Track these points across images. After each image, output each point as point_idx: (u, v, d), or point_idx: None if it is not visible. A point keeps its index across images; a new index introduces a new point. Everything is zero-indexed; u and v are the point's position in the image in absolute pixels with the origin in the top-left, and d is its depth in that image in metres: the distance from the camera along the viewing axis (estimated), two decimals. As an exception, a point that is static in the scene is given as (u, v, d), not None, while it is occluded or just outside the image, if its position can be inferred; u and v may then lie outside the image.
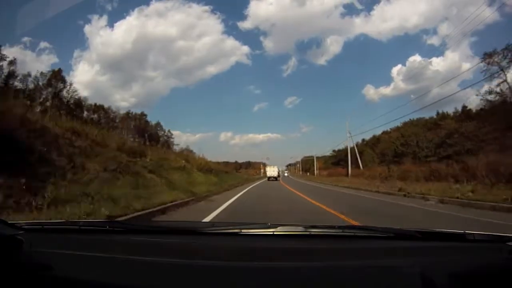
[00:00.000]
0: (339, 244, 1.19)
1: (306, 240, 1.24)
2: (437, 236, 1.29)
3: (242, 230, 1.25)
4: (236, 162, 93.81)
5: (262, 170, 63.76)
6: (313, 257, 1.02)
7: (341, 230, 1.30)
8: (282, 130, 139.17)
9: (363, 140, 55.22)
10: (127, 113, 59.01)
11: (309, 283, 0.87)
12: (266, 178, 42.55)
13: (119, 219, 4.58)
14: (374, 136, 52.86)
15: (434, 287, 0.84)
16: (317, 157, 66.72)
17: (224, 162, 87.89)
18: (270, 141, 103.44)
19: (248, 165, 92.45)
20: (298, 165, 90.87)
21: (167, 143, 62.83)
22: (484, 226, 5.19)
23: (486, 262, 1.01)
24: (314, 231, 1.27)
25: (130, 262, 0.97)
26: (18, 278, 0.90)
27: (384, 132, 49.88)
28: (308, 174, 67.29)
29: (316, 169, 60.46)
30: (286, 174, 60.55)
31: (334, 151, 62.56)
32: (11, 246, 1.00)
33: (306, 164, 79.23)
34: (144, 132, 57.57)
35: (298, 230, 1.33)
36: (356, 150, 37.71)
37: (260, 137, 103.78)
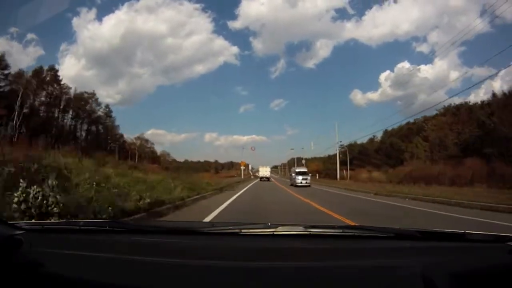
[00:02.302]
0: (339, 244, 1.18)
1: (306, 240, 1.24)
2: (438, 236, 1.28)
3: (242, 230, 1.25)
4: (216, 161, 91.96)
5: (243, 168, 43.57)
6: (313, 257, 1.02)
7: (341, 230, 1.30)
8: (267, 132, 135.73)
9: (385, 131, 43.11)
10: (35, 70, 41.31)
11: (309, 283, 0.87)
12: (247, 185, 35.36)
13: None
14: (401, 127, 39.89)
15: (434, 287, 0.84)
16: (307, 159, 55.53)
17: (205, 162, 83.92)
18: (254, 143, 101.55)
19: (231, 165, 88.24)
20: (285, 166, 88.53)
21: (105, 127, 51.87)
22: None
23: (486, 262, 1.00)
24: (314, 231, 1.26)
25: (130, 262, 0.97)
26: (18, 278, 0.90)
27: (408, 123, 38.43)
28: (317, 177, 43.39)
29: (343, 171, 39.27)
30: (302, 182, 24.43)
31: (341, 146, 46.54)
32: (11, 246, 1.00)
33: (293, 166, 75.66)
34: (67, 106, 44.71)
35: (298, 230, 1.33)
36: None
37: (245, 138, 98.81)
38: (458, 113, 33.14)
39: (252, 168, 64.90)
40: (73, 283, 0.89)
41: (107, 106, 53.17)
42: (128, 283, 0.89)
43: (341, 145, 45.90)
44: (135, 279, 0.90)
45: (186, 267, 0.93)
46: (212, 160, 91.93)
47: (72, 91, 46.25)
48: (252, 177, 53.51)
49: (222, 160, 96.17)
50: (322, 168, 53.41)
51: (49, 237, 1.19)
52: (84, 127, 49.39)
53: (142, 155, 58.15)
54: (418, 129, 37.03)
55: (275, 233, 1.23)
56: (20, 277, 0.91)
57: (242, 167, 42.99)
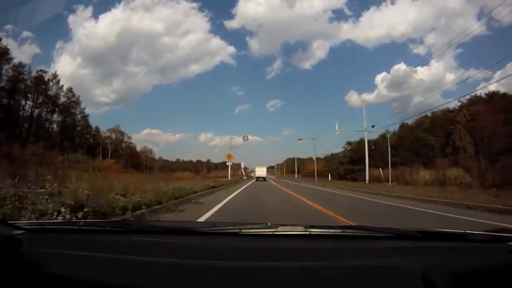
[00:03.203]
0: (339, 244, 1.18)
1: (306, 240, 1.24)
2: (438, 236, 1.29)
3: (242, 230, 1.25)
4: (208, 161, 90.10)
5: (229, 164, 32.36)
6: (313, 257, 1.02)
7: (341, 230, 1.30)
8: (263, 133, 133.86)
9: (401, 125, 35.53)
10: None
11: (309, 283, 0.87)
12: (227, 197, 23.88)
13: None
14: (421, 121, 33.95)
15: (434, 287, 0.84)
16: (305, 159, 51.96)
17: (197, 161, 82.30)
18: (250, 143, 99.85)
19: (225, 165, 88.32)
20: (281, 167, 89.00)
21: (73, 117, 44.18)
22: None
23: (486, 262, 1.00)
24: (314, 231, 1.26)
25: (130, 262, 0.97)
26: (18, 278, 0.90)
27: (427, 117, 32.65)
28: (328, 178, 36.85)
29: (379, 169, 28.27)
30: None
31: (348, 143, 41.17)
32: (11, 246, 1.00)
33: (291, 166, 72.54)
34: (28, 90, 36.63)
35: (298, 230, 1.33)
36: None
37: (240, 139, 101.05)
38: (492, 102, 28.41)
39: (246, 168, 61.94)
40: (73, 283, 0.89)
41: (69, 90, 43.53)
42: (128, 283, 0.89)
43: (347, 141, 38.28)
44: (135, 279, 0.90)
45: (186, 267, 0.93)
46: (206, 160, 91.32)
47: (26, 69, 37.84)
48: (245, 177, 47.32)
49: (217, 160, 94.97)
50: (325, 169, 48.09)
51: (49, 237, 1.19)
52: (44, 115, 41.42)
53: (120, 150, 52.66)
54: (440, 121, 31.96)
55: (275, 233, 1.23)
56: (20, 277, 0.91)
57: (229, 163, 30.08)
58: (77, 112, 46.51)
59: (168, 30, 79.31)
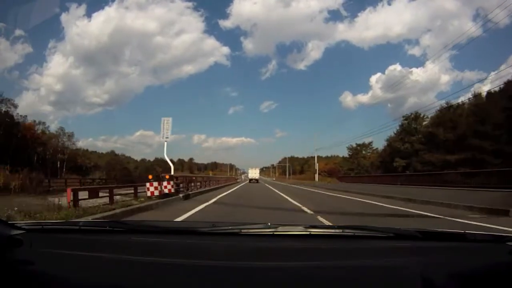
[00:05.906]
0: (339, 244, 1.19)
1: (306, 240, 1.24)
2: (437, 236, 1.29)
3: (242, 230, 1.25)
4: (191, 159, 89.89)
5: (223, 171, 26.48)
6: (313, 257, 1.02)
7: (341, 230, 1.30)
8: (256, 134, 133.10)
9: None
10: None
11: (309, 283, 0.87)
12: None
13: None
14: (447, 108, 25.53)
15: (434, 287, 0.84)
16: (304, 158, 51.63)
17: (178, 161, 78.46)
18: (243, 145, 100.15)
19: (215, 166, 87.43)
20: (278, 167, 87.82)
21: None
22: None
23: (486, 262, 1.00)
24: (314, 231, 1.27)
25: (130, 262, 0.97)
26: (18, 278, 0.90)
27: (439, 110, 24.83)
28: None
29: None
30: None
31: (411, 117, 33.27)
32: (11, 246, 1.00)
33: (293, 166, 71.77)
34: None
35: (298, 230, 1.33)
36: None
37: (234, 140, 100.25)
38: None
39: (237, 169, 60.22)
40: (73, 283, 0.89)
41: None
42: (128, 283, 0.89)
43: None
44: (135, 279, 0.90)
45: (186, 267, 0.94)
46: (198, 160, 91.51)
47: None
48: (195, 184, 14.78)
49: (206, 161, 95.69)
50: (347, 167, 43.49)
51: (49, 237, 1.19)
52: None
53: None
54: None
55: (275, 233, 1.23)
56: (20, 277, 0.91)
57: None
58: None
59: (162, 30, 78.45)
